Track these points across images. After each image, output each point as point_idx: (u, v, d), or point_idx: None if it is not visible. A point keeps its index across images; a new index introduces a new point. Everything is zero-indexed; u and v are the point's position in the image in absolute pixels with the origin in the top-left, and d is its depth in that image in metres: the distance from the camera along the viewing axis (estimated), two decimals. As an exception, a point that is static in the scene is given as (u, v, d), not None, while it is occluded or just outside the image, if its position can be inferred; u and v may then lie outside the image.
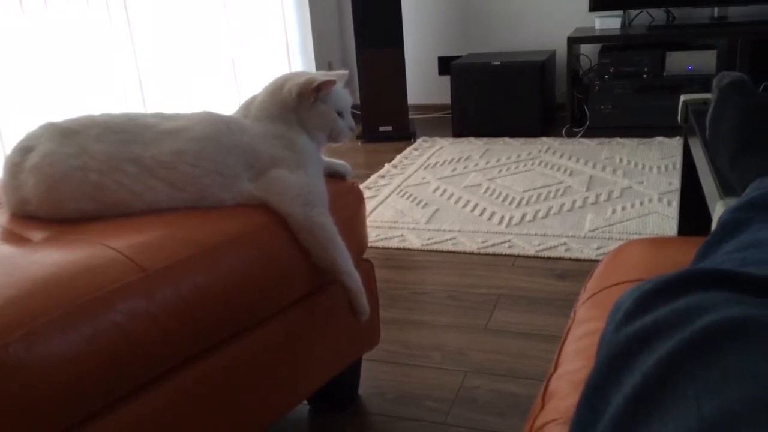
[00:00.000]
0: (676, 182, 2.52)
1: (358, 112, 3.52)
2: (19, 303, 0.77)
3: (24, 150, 1.03)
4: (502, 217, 2.36)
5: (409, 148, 3.36)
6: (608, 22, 3.50)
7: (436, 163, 3.09)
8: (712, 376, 0.35)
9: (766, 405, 0.33)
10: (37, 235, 0.97)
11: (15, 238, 0.97)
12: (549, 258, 2.03)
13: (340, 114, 1.19)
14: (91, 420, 0.81)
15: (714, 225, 0.81)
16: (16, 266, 0.85)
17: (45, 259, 0.87)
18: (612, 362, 0.40)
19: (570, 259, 2.01)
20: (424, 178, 2.87)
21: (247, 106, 1.18)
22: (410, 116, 3.67)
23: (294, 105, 1.14)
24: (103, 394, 0.82)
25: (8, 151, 1.07)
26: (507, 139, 3.41)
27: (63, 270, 0.83)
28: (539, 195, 2.56)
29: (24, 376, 0.73)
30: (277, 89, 1.16)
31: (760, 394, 0.33)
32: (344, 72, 1.26)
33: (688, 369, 0.36)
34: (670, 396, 0.35)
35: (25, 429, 0.74)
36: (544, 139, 3.37)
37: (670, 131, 3.17)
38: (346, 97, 1.22)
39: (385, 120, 3.56)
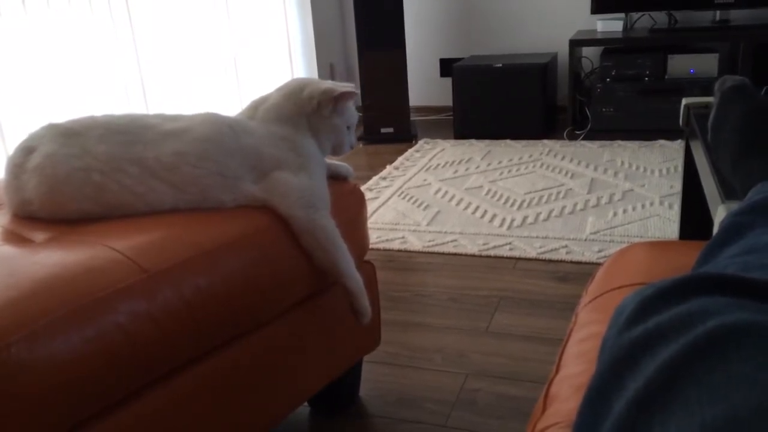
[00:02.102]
0: (678, 185, 2.51)
1: (360, 114, 3.52)
2: (21, 304, 0.77)
3: (26, 150, 1.03)
4: (504, 220, 2.36)
5: (410, 150, 3.36)
6: (610, 24, 3.50)
7: (438, 164, 3.09)
8: (715, 381, 0.35)
9: (769, 410, 0.32)
10: (39, 235, 0.97)
11: (17, 238, 0.97)
12: (550, 260, 2.03)
13: (347, 129, 1.21)
14: (92, 421, 0.81)
15: (716, 229, 0.81)
16: (18, 267, 0.85)
17: (47, 259, 0.87)
18: (614, 367, 0.40)
19: (571, 262, 2.01)
20: (425, 180, 2.87)
21: (256, 106, 1.18)
22: (412, 118, 3.67)
23: (311, 111, 1.15)
24: (104, 395, 0.82)
25: (10, 151, 1.07)
26: (508, 141, 3.42)
27: (65, 271, 0.83)
28: (540, 197, 2.56)
29: (25, 377, 0.73)
30: (294, 93, 1.16)
31: (764, 400, 0.33)
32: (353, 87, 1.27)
33: (691, 374, 0.36)
34: (672, 401, 0.35)
35: (27, 430, 0.74)
36: (546, 141, 3.37)
37: (671, 134, 3.17)
38: (355, 114, 1.24)
39: (386, 121, 3.56)
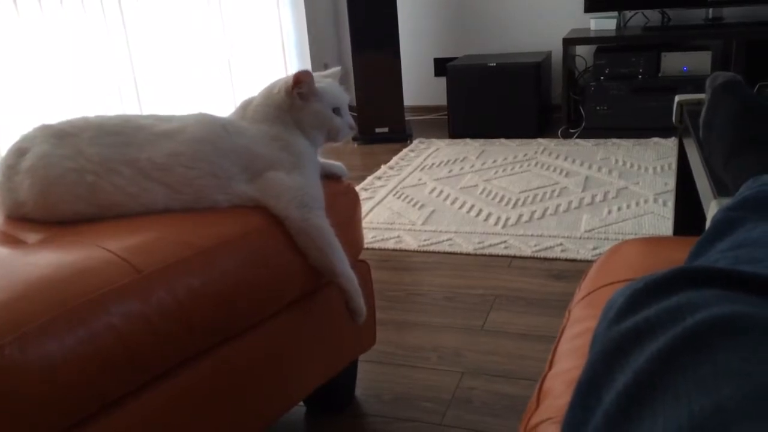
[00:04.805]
0: (672, 183, 2.52)
1: (355, 114, 3.52)
2: (14, 305, 0.77)
3: (19, 152, 1.03)
4: (499, 218, 2.36)
5: (405, 150, 3.36)
6: (603, 23, 3.51)
7: (433, 164, 3.09)
8: (703, 373, 0.35)
9: (757, 402, 0.33)
10: (32, 237, 0.97)
11: (10, 240, 0.97)
12: (545, 258, 2.04)
13: (337, 112, 1.18)
14: (87, 422, 0.81)
15: (708, 224, 0.81)
16: (11, 268, 0.85)
17: (40, 260, 0.87)
18: (604, 359, 0.40)
19: (566, 260, 2.02)
20: (420, 180, 2.88)
21: (244, 108, 1.18)
22: (406, 118, 3.67)
23: (287, 106, 1.14)
24: (98, 397, 0.82)
25: (3, 153, 1.07)
26: (503, 141, 3.42)
27: (58, 272, 0.83)
28: (535, 196, 2.57)
29: (19, 378, 0.73)
30: (270, 92, 1.16)
31: (751, 391, 0.33)
32: (337, 69, 1.26)
33: (680, 366, 0.36)
34: (661, 393, 0.35)
35: (20, 431, 0.74)
36: (540, 140, 3.37)
37: (665, 132, 3.18)
38: (341, 94, 1.20)
39: (381, 121, 3.57)
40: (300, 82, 1.13)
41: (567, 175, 2.79)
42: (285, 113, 1.14)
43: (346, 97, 1.22)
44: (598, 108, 3.34)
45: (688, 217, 1.61)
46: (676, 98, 1.46)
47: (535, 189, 2.65)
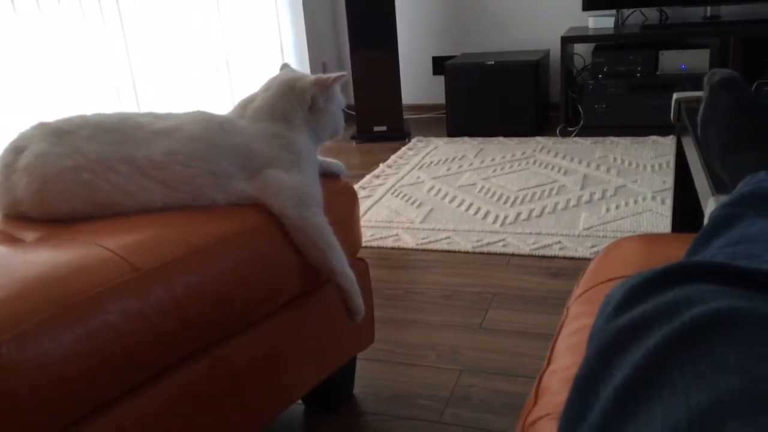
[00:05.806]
0: (670, 180, 2.52)
1: (353, 113, 3.52)
2: (12, 303, 0.76)
3: (16, 150, 1.03)
4: (497, 216, 2.36)
5: (403, 148, 3.36)
6: (602, 21, 3.51)
7: (431, 162, 3.09)
8: (700, 368, 0.35)
9: (754, 396, 0.33)
10: (29, 235, 0.97)
11: (7, 238, 0.97)
12: (543, 257, 2.04)
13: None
14: (85, 420, 0.81)
15: (706, 221, 0.81)
16: (9, 266, 0.85)
17: (38, 259, 0.87)
18: (602, 355, 0.40)
19: (564, 258, 2.02)
20: (418, 178, 2.88)
21: (244, 106, 1.18)
22: (405, 116, 3.67)
23: (308, 105, 1.15)
24: (96, 395, 0.81)
25: (0, 151, 1.07)
26: (501, 139, 3.42)
27: (56, 270, 0.83)
28: (534, 194, 2.57)
29: (16, 377, 0.73)
30: (285, 91, 1.16)
31: (748, 386, 0.33)
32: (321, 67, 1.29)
33: (677, 360, 0.36)
34: (658, 387, 0.35)
35: (18, 429, 0.74)
36: (539, 138, 3.37)
37: (663, 130, 3.18)
38: (341, 96, 1.24)
39: (379, 120, 3.56)
40: (336, 84, 1.16)
41: (565, 173, 2.79)
42: (296, 112, 1.15)
43: (343, 98, 1.26)
44: (596, 106, 3.34)
45: (686, 214, 1.61)
46: (674, 96, 1.46)
47: (534, 187, 2.65)
